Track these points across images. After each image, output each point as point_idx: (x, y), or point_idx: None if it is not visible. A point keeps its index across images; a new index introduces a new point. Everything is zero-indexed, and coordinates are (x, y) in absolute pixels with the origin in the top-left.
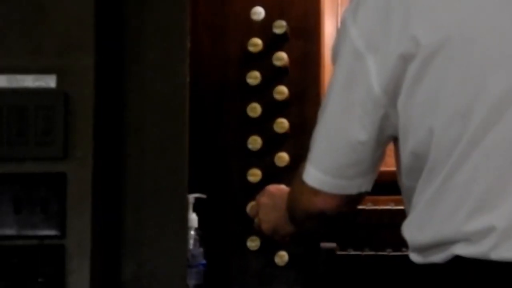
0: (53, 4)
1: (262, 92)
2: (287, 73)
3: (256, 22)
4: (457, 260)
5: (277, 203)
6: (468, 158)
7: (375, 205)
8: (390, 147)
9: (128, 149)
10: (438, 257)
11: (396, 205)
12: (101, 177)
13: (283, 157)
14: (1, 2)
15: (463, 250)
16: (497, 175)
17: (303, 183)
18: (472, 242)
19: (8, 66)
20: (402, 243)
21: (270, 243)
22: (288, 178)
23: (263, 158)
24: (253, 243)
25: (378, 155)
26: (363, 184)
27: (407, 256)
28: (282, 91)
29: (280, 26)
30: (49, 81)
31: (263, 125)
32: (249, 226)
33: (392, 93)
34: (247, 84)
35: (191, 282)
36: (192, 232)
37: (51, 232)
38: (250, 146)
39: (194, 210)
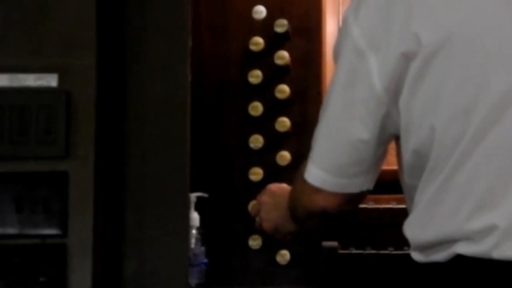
0: (54, 3)
1: (264, 91)
2: (289, 72)
3: (258, 21)
4: (459, 259)
5: (279, 202)
6: (469, 157)
7: (376, 203)
8: (392, 145)
9: (129, 148)
10: (440, 256)
11: (398, 203)
12: (103, 176)
13: (284, 156)
14: (3, 2)
15: (465, 249)
16: (498, 174)
17: (304, 181)
18: (474, 241)
19: (9, 65)
20: (403, 242)
21: (272, 242)
22: (290, 177)
23: (265, 157)
24: (254, 242)
25: (380, 154)
26: (365, 183)
27: (408, 255)
28: (283, 90)
29: (281, 25)
30: (51, 80)
31: (264, 124)
32: (251, 225)
33: (394, 91)
34: (248, 83)
35: (193, 281)
36: (194, 231)
37: (53, 231)
38: (251, 145)
39: (196, 209)
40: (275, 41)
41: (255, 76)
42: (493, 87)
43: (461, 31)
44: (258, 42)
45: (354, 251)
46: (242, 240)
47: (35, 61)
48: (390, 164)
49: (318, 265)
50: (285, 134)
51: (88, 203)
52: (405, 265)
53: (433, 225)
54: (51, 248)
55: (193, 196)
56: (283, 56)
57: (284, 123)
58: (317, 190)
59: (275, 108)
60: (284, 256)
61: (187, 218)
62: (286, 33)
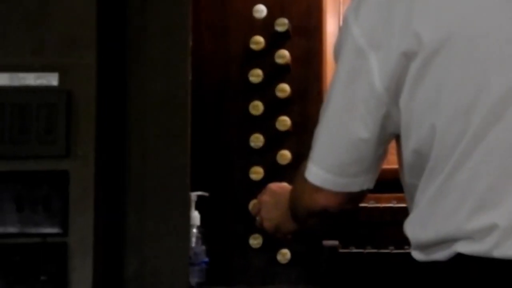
0: (55, 2)
1: (264, 90)
2: (289, 71)
3: (258, 20)
4: (460, 258)
5: (279, 201)
6: (469, 157)
7: (377, 203)
8: (392, 145)
9: (130, 147)
10: (440, 255)
11: (398, 203)
12: (103, 175)
13: (285, 155)
14: (3, 1)
15: (465, 248)
16: (499, 174)
17: (305, 181)
18: (474, 240)
19: (10, 64)
20: (404, 241)
21: (273, 241)
22: (290, 176)
23: (265, 156)
24: (255, 241)
25: (380, 153)
26: (365, 182)
27: (409, 254)
28: (284, 89)
29: (282, 24)
30: (51, 79)
31: (265, 123)
32: (252, 224)
33: (394, 91)
34: (249, 82)
35: (194, 280)
36: (194, 230)
37: (54, 230)
38: (252, 144)
39: (197, 208)
40: (275, 40)
41: (256, 75)
42: (493, 87)
43: (462, 31)
44: (258, 41)
45: (355, 250)
46: (242, 239)
47: (36, 60)
48: (390, 163)
49: (318, 264)
50: (286, 133)
51: (88, 202)
52: (406, 264)
53: (433, 224)
54: (52, 247)
55: (194, 195)
56: (283, 55)
57: (284, 122)
58: (317, 189)
59: (275, 107)
60: (284, 255)
61: (187, 217)
62: (286, 32)
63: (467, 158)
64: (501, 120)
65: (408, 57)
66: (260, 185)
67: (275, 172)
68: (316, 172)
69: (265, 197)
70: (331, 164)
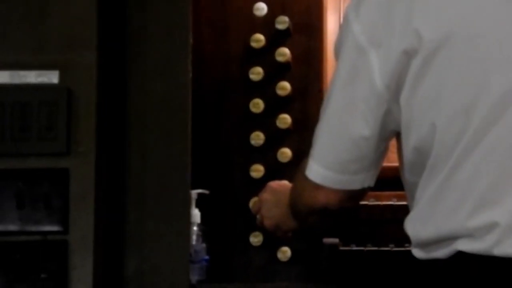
0: (56, 1)
1: (265, 88)
2: (290, 69)
3: (259, 18)
4: (460, 256)
5: (280, 199)
6: (470, 155)
7: (377, 200)
8: (393, 142)
9: (131, 145)
10: (441, 253)
11: (399, 200)
12: (104, 173)
13: (285, 153)
14: None
15: (466, 246)
16: (499, 172)
17: (305, 178)
18: (475, 238)
19: (11, 62)
20: (405, 239)
21: (273, 239)
22: (291, 174)
23: (266, 154)
24: (255, 239)
25: (381, 151)
26: (366, 180)
27: (410, 252)
28: (284, 87)
29: (282, 22)
30: (52, 77)
31: (265, 121)
32: (252, 222)
33: (395, 88)
34: (249, 80)
35: (194, 277)
36: (195, 228)
37: (54, 228)
38: (252, 142)
39: (197, 206)
40: (276, 38)
41: (256, 73)
42: (493, 86)
43: (462, 30)
44: (259, 39)
45: (355, 248)
46: (243, 237)
47: (36, 58)
48: (391, 161)
49: (319, 261)
50: (286, 131)
51: (89, 200)
52: (406, 262)
53: (434, 222)
54: (52, 245)
55: (194, 193)
56: (284, 53)
57: (285, 120)
58: (318, 187)
59: (276, 105)
60: (285, 253)
61: (188, 215)
62: (287, 30)
63: (468, 156)
64: (501, 120)
65: (408, 55)
66: (261, 183)
67: (275, 170)
68: (317, 169)
69: (265, 195)
70: (331, 162)
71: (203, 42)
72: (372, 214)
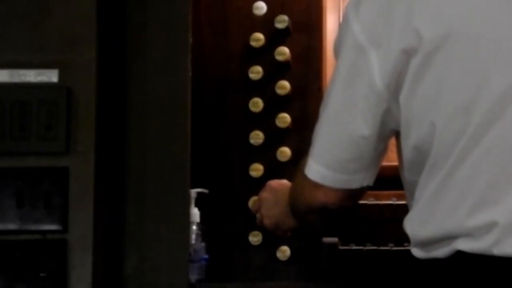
0: (55, 0)
1: (264, 87)
2: (289, 68)
3: (258, 17)
4: (459, 255)
5: (279, 198)
6: (469, 154)
7: (377, 199)
8: (392, 141)
9: (130, 143)
10: (440, 252)
11: (398, 199)
12: (103, 172)
13: (285, 152)
14: None
15: (465, 245)
16: (499, 171)
17: (305, 177)
18: (474, 238)
19: (10, 61)
20: (404, 238)
21: (272, 238)
22: (290, 173)
23: (265, 153)
24: (255, 238)
25: (380, 150)
26: (365, 179)
27: (409, 251)
28: (284, 86)
29: (282, 21)
30: (51, 76)
31: (265, 120)
32: (251, 221)
33: (395, 87)
34: (249, 79)
35: (193, 276)
36: (194, 227)
37: (54, 227)
38: (252, 141)
39: (196, 205)
40: (275, 37)
41: (256, 72)
42: (493, 84)
43: (462, 29)
44: (258, 38)
45: (355, 247)
46: (242, 236)
47: (36, 56)
48: (390, 160)
49: (318, 261)
50: (286, 130)
51: (88, 199)
52: (406, 261)
53: (433, 221)
54: (52, 244)
55: (194, 192)
56: (283, 52)
57: (284, 119)
58: (317, 186)
59: (275, 104)
60: (284, 252)
61: (187, 214)
62: (286, 29)
63: (467, 155)
64: (501, 118)
65: (408, 54)
66: (260, 182)
67: (275, 169)
68: (316, 168)
69: (265, 194)
70: (331, 161)
71: (203, 41)
72: (372, 213)
